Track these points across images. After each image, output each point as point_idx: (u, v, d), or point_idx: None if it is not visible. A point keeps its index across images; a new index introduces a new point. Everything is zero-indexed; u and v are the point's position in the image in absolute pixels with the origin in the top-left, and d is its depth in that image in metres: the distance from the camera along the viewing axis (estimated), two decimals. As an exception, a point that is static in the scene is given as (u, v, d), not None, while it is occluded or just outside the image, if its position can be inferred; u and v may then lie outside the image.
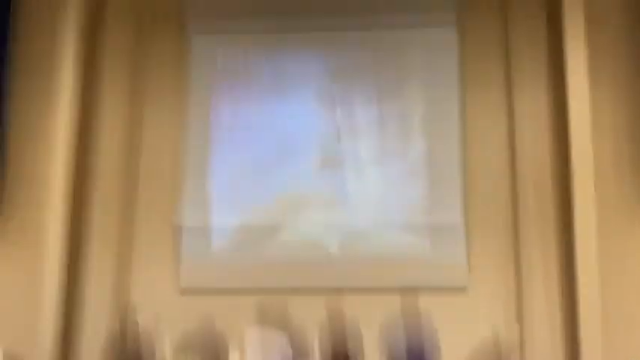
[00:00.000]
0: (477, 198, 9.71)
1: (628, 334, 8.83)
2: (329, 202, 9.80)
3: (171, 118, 10.30)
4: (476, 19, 10.14)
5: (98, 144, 10.06)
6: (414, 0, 10.06)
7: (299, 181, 9.89)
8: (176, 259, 9.82)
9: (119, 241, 9.85)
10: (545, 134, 9.65)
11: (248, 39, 10.27)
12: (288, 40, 10.26)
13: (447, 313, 9.27)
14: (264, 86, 10.17)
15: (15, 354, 9.09)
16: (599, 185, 9.05)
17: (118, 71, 10.22)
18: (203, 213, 9.90)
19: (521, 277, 9.35)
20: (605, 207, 9.11)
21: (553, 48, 9.72)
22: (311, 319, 9.24)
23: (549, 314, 9.19)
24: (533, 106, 9.74)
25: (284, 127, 10.05)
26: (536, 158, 9.63)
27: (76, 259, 9.66)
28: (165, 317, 9.54)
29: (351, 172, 9.87)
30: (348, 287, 9.46)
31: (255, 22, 10.27)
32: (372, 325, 9.17)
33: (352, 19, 10.14)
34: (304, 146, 9.99)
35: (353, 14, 10.13)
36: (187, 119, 10.21)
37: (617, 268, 9.04)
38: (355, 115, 10.00)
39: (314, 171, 9.93)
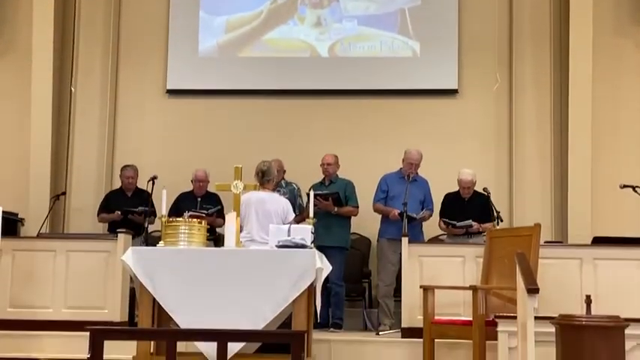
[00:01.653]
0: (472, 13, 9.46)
1: (616, 156, 8.98)
2: (319, 3, 9.54)
3: None
4: None
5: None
6: None
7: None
8: (163, 61, 9.63)
9: (107, 48, 9.66)
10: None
11: None
12: None
13: (437, 115, 9.31)
14: None
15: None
16: (597, 3, 8.90)
17: None
18: (191, 14, 9.65)
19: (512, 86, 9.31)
20: (601, 27, 8.97)
21: None
22: (298, 122, 9.33)
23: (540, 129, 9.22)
24: None
25: None
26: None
27: (65, 69, 9.58)
28: (151, 119, 9.63)
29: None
30: (337, 89, 9.41)
31: None
32: (362, 126, 9.28)
33: None
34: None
35: None
36: None
37: (610, 88, 9.03)
38: None
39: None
